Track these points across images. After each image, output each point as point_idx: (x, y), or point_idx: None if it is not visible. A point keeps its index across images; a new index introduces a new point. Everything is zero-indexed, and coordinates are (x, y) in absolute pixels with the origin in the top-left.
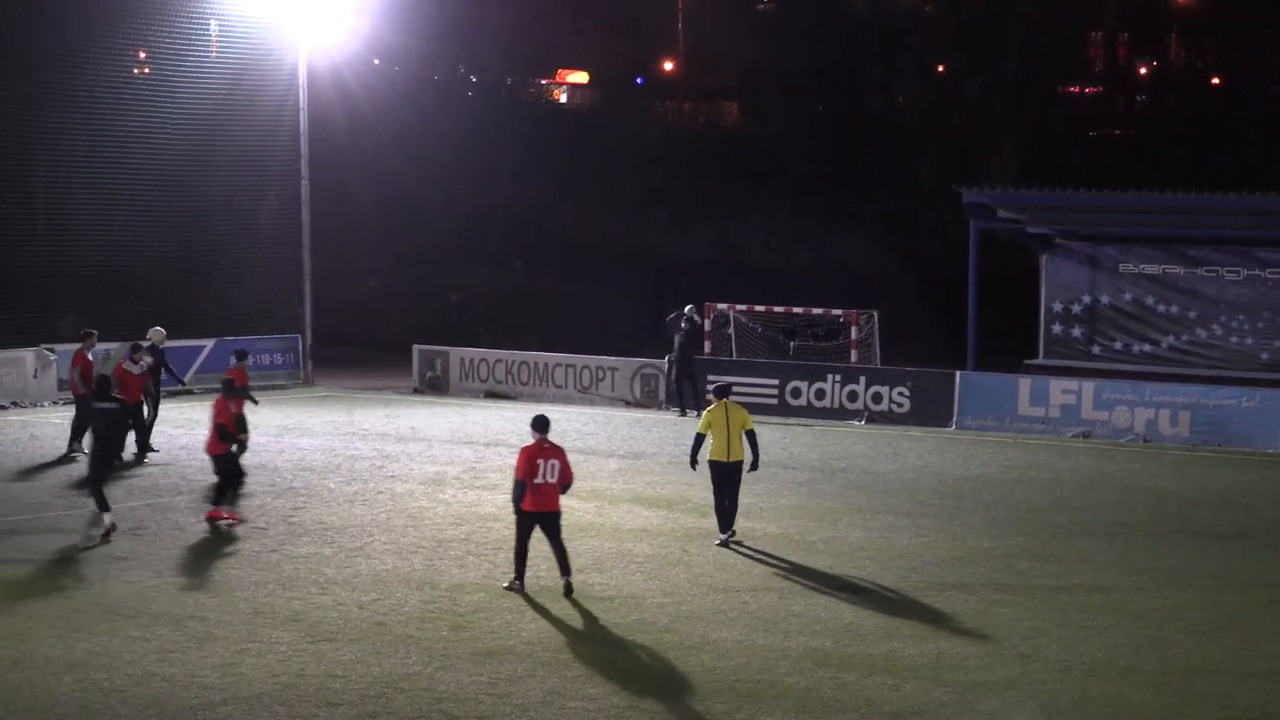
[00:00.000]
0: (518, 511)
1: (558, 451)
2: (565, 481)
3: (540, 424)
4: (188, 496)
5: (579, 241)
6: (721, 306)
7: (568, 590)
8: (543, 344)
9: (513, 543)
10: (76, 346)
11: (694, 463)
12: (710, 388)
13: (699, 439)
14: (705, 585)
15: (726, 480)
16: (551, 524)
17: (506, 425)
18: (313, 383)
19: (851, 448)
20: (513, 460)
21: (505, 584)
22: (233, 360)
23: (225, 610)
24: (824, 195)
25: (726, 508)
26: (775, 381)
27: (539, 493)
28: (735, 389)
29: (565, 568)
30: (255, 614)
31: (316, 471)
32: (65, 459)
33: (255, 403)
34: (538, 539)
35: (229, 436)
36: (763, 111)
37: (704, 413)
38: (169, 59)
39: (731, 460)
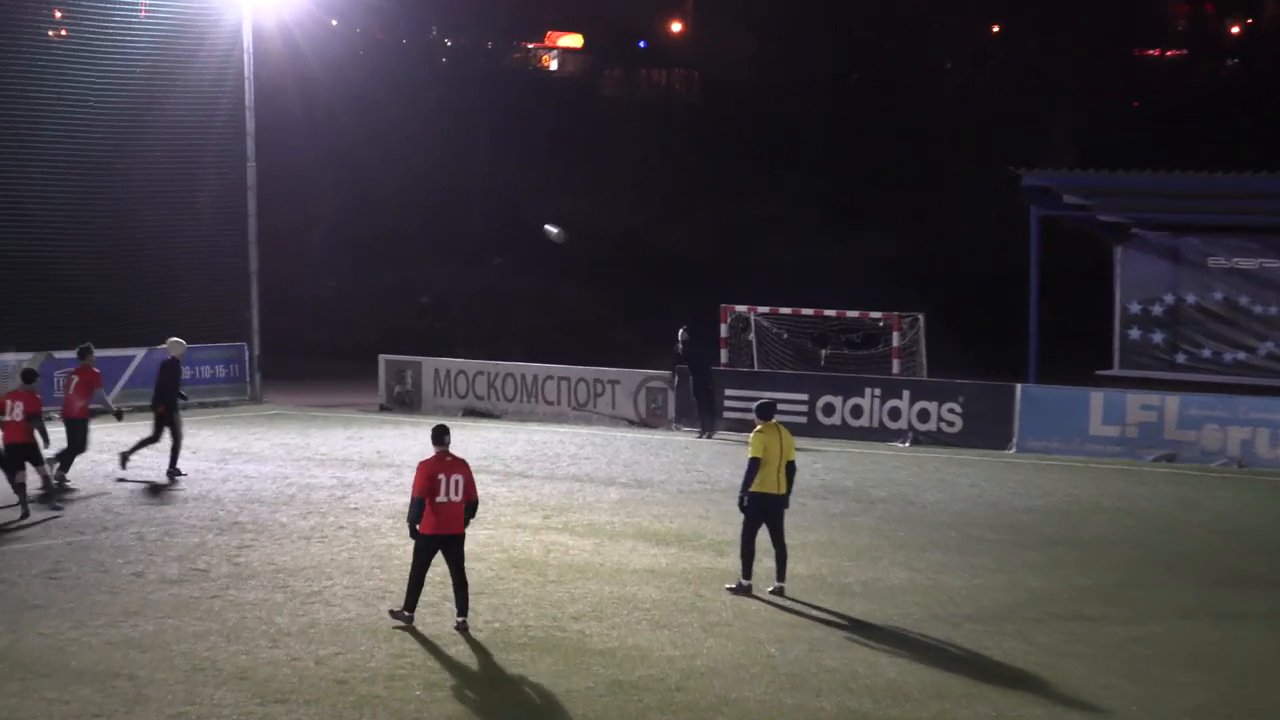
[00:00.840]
0: (414, 534)
1: (461, 466)
2: (470, 499)
3: (439, 435)
4: (113, 534)
5: (570, 233)
6: (741, 309)
7: (462, 629)
8: (527, 353)
9: (494, 582)
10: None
11: (744, 502)
12: (754, 405)
13: (754, 465)
14: (722, 635)
15: (767, 516)
16: (455, 548)
17: (489, 449)
18: (261, 399)
19: (893, 474)
20: (494, 490)
21: (391, 610)
22: (17, 380)
23: (159, 667)
24: (851, 177)
25: (774, 552)
26: (804, 396)
27: (441, 513)
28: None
29: (464, 604)
30: (194, 670)
31: (266, 503)
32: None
33: (46, 442)
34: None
35: None
36: (783, 82)
37: (753, 435)
38: (90, 19)
39: (779, 493)
